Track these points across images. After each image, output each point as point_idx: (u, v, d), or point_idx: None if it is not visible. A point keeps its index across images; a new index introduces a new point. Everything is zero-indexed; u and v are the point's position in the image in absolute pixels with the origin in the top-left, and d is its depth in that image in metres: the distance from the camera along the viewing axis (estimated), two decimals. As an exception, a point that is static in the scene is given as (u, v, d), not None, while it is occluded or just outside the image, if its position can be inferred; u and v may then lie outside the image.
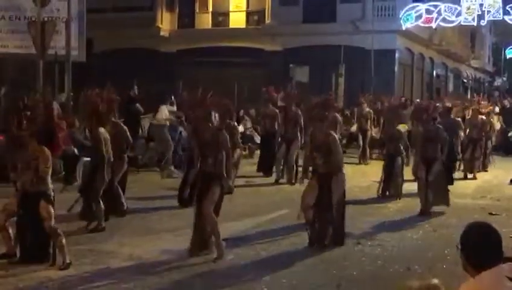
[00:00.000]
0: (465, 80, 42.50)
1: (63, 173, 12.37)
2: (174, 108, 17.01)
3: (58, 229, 6.73)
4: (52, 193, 6.83)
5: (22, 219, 6.83)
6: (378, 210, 10.76)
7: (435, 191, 10.26)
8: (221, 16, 29.65)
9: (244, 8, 29.27)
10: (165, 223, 9.10)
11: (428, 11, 26.92)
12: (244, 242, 8.01)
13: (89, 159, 12.63)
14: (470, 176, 14.85)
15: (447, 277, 6.68)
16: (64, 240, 6.70)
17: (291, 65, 23.49)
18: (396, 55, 27.28)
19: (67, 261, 6.64)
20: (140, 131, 17.46)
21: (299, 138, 13.06)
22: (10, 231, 6.84)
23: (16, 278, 6.32)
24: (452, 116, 14.42)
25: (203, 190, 7.19)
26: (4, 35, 18.38)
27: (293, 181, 12.49)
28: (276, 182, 13.15)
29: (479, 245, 2.99)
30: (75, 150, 12.47)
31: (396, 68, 27.37)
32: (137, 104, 17.18)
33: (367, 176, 14.24)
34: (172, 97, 17.06)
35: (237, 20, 29.22)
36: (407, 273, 6.93)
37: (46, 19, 14.35)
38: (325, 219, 7.82)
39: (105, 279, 6.41)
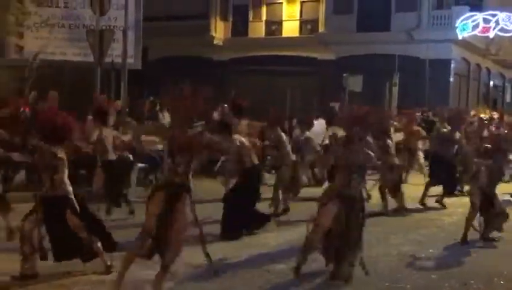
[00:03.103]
0: (523, 91, 41.42)
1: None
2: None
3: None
4: (71, 196, 6.44)
5: (50, 226, 6.47)
6: (431, 222, 10.57)
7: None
8: (274, 24, 29.76)
9: (298, 17, 29.31)
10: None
11: (485, 20, 26.41)
12: (280, 257, 7.82)
13: (143, 165, 12.93)
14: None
15: (505, 293, 6.53)
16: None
17: (344, 74, 23.31)
18: (452, 65, 26.84)
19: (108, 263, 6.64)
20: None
21: None
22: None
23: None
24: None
25: None
26: (63, 43, 18.91)
27: None
28: None
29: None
30: (130, 156, 12.66)
31: (451, 78, 26.92)
32: (191, 112, 17.37)
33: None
34: (225, 105, 17.14)
35: (290, 29, 29.28)
36: (463, 289, 6.78)
37: (104, 27, 14.62)
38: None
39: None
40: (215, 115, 16.80)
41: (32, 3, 17.34)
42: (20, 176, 12.42)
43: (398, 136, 17.67)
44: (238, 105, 10.69)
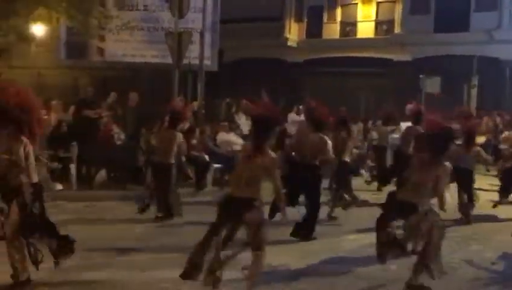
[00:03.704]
0: None
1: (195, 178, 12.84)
2: (301, 117, 17.15)
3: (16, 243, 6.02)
4: (23, 188, 5.92)
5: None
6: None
7: None
8: (349, 25, 29.52)
9: (373, 17, 28.95)
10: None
11: None
12: (365, 260, 7.73)
13: (219, 165, 13.13)
14: None
15: None
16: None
17: (421, 76, 22.89)
18: (535, 66, 25.90)
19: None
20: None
21: None
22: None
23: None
24: None
25: None
26: (142, 45, 19.46)
27: None
28: None
29: None
30: (206, 157, 12.89)
31: (534, 80, 25.99)
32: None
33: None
34: (300, 107, 17.19)
35: (365, 30, 28.95)
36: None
37: (182, 29, 14.92)
38: None
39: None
40: (291, 116, 16.92)
41: (114, 7, 17.89)
42: (102, 174, 12.89)
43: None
44: (317, 120, 9.24)
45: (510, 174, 11.64)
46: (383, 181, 13.06)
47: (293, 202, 8.60)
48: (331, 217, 10.34)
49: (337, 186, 10.58)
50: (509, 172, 11.70)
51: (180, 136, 10.09)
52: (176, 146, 9.98)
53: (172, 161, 9.99)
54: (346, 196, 10.68)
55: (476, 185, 11.10)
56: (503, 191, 11.61)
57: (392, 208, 6.49)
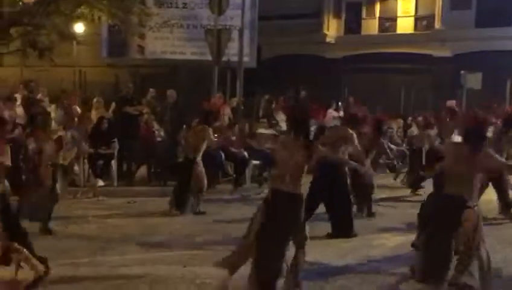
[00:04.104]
0: None
1: (234, 175, 12.91)
2: (340, 114, 17.10)
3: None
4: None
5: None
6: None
7: None
8: (388, 21, 29.24)
9: (413, 13, 28.64)
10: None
11: None
12: (397, 260, 7.64)
13: (257, 162, 13.16)
14: None
15: None
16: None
17: (462, 72, 22.55)
18: None
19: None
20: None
21: None
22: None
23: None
24: None
25: None
26: (182, 43, 19.61)
27: None
28: None
29: None
30: (246, 154, 12.93)
31: None
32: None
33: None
34: (339, 103, 17.12)
35: (405, 25, 28.65)
36: None
37: (221, 26, 14.99)
38: None
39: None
40: (330, 112, 16.86)
41: (154, 5, 18.05)
42: (142, 171, 13.05)
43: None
44: (353, 116, 9.44)
45: None
46: (413, 185, 12.80)
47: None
48: (370, 214, 10.28)
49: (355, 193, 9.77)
50: None
51: (210, 132, 9.98)
52: (205, 143, 9.95)
53: (198, 157, 9.92)
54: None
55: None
56: None
57: (436, 206, 6.35)
